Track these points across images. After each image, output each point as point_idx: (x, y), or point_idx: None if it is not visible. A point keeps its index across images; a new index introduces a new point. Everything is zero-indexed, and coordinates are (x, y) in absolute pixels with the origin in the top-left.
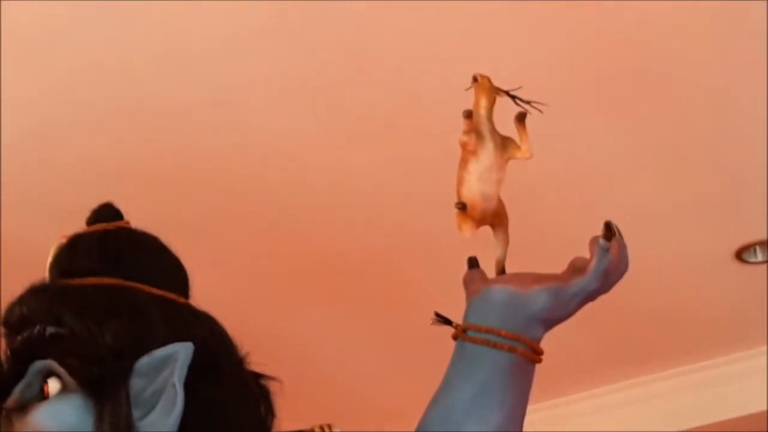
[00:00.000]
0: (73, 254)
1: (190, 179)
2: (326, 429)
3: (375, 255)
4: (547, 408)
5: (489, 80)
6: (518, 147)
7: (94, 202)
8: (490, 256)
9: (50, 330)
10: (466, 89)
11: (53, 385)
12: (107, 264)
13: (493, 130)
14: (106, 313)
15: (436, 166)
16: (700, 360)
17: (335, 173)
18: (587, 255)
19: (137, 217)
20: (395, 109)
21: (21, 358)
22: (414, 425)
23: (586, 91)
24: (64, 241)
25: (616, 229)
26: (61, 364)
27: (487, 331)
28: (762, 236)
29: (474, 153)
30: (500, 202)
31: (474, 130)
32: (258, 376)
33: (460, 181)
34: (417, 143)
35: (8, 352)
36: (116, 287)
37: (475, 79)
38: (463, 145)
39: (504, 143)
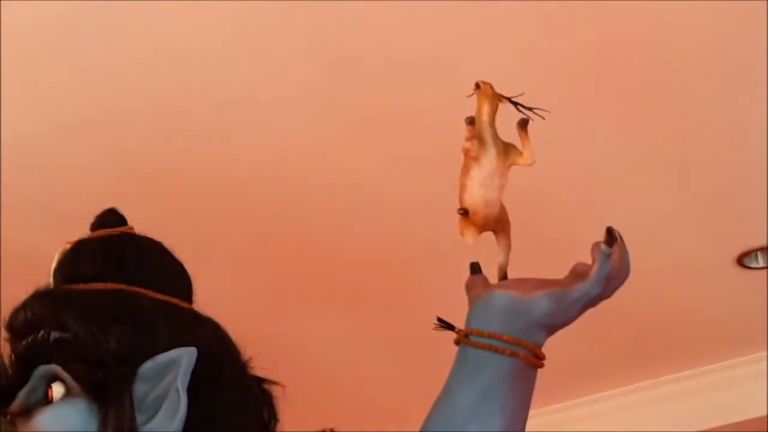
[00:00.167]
0: (77, 259)
1: (190, 179)
2: None
3: (376, 256)
4: (548, 413)
5: (491, 87)
6: (520, 153)
7: (93, 203)
8: (492, 260)
9: (54, 335)
10: (468, 96)
11: (57, 390)
12: (111, 269)
13: (496, 137)
14: (110, 318)
15: (436, 167)
16: (701, 365)
17: (335, 173)
18: (589, 261)
19: (137, 217)
20: (395, 109)
21: (25, 363)
22: (416, 427)
23: (586, 94)
24: (68, 246)
25: (617, 235)
26: (65, 368)
27: (490, 336)
28: (763, 242)
29: (476, 159)
30: (502, 208)
31: (476, 137)
32: (261, 381)
33: (462, 188)
34: (417, 143)
35: (12, 357)
36: (120, 292)
37: (477, 86)
38: (466, 152)
39: (506, 149)
